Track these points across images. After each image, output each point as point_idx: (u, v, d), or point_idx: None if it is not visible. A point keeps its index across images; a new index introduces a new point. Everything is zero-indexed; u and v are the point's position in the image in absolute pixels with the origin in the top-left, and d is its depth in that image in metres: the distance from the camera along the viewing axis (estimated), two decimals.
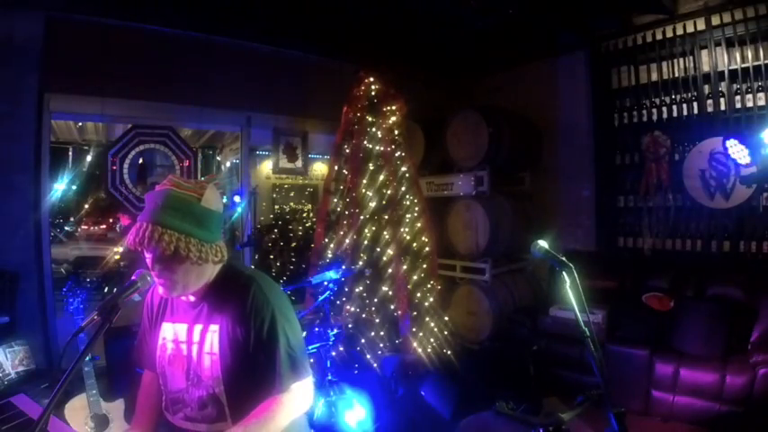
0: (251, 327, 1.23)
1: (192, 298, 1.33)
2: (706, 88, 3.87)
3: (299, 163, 4.96)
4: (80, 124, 6.07)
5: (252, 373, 1.26)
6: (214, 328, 1.28)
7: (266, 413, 1.22)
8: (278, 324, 1.25)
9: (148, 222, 1.16)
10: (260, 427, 1.19)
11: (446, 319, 4.06)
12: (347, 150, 3.99)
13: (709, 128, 3.81)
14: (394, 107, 3.98)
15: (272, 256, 5.64)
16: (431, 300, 3.97)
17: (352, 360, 3.54)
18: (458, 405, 3.13)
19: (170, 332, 1.36)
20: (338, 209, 3.96)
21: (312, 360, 2.72)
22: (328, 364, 2.89)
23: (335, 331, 2.89)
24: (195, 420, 1.31)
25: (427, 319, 3.91)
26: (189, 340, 1.31)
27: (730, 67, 3.71)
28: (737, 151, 3.56)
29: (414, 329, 3.77)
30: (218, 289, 1.31)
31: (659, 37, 4.09)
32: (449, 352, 3.88)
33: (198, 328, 1.31)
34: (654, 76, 4.17)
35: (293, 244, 5.69)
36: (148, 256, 1.21)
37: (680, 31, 3.97)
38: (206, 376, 1.28)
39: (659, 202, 4.12)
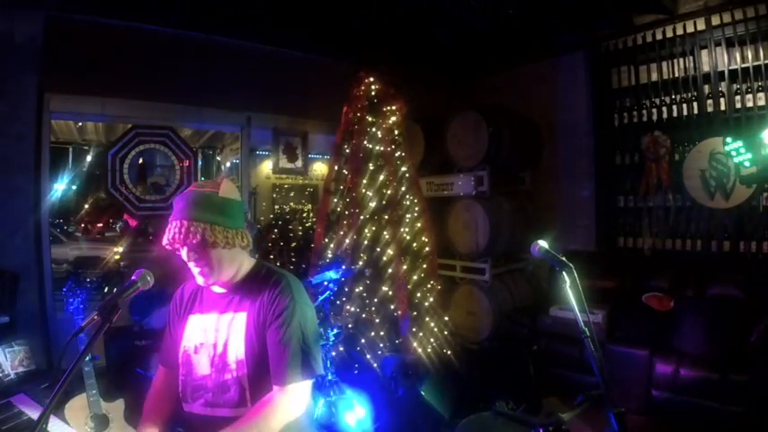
0: (271, 316, 1.31)
1: (223, 290, 1.41)
2: (706, 88, 3.87)
3: (299, 163, 4.96)
4: (80, 124, 6.07)
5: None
6: (242, 314, 1.36)
7: (258, 416, 1.23)
8: (296, 320, 1.32)
9: (178, 220, 1.30)
10: (250, 430, 1.20)
11: (446, 319, 4.05)
12: (347, 150, 3.99)
13: (709, 128, 3.81)
14: (394, 107, 3.98)
15: (272, 256, 5.64)
16: (431, 300, 3.97)
17: (352, 360, 3.54)
18: (458, 405, 3.13)
19: (199, 323, 1.42)
20: (338, 209, 3.96)
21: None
22: (328, 364, 2.90)
23: (335, 331, 2.89)
24: (216, 405, 1.34)
25: (427, 319, 3.91)
26: (216, 327, 1.38)
27: (730, 67, 3.71)
28: (737, 151, 3.57)
29: (414, 329, 3.77)
30: (251, 283, 1.40)
31: (659, 37, 4.09)
32: (449, 352, 3.88)
33: (227, 316, 1.38)
34: (654, 76, 4.17)
35: (293, 244, 5.68)
36: (183, 250, 1.32)
37: (680, 31, 3.97)
38: (231, 360, 1.33)
39: (659, 202, 4.12)
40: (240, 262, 1.40)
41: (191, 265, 1.33)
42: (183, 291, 1.52)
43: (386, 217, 3.86)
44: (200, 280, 1.36)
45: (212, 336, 1.37)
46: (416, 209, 4.02)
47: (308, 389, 1.33)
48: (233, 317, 1.36)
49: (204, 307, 1.43)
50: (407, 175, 4.03)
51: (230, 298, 1.40)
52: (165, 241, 1.32)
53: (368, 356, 3.59)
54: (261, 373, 1.30)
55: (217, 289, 1.42)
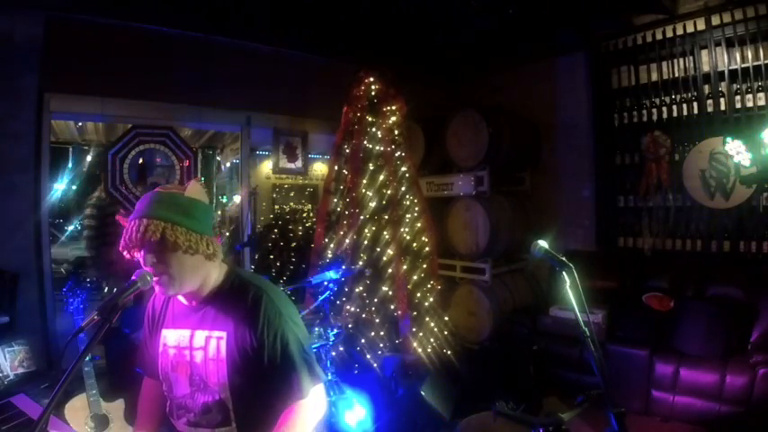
0: (265, 339, 1.24)
1: (193, 302, 1.33)
2: (706, 88, 3.86)
3: (299, 163, 4.96)
4: (80, 124, 6.06)
5: (260, 379, 1.27)
6: (220, 334, 1.28)
7: (290, 423, 1.24)
8: (292, 334, 1.28)
9: (137, 219, 1.19)
10: None
11: (446, 319, 4.05)
12: (347, 150, 3.99)
13: (709, 128, 3.81)
14: (394, 107, 3.98)
15: (272, 256, 5.64)
16: (431, 300, 3.97)
17: (352, 360, 3.54)
18: (458, 405, 3.13)
19: (172, 338, 1.35)
20: (338, 209, 3.96)
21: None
22: (328, 364, 2.89)
23: (335, 331, 2.89)
24: (199, 425, 1.32)
25: (427, 319, 3.91)
26: (191, 346, 1.31)
27: (730, 67, 3.71)
28: (737, 151, 3.57)
29: (414, 329, 3.76)
30: (225, 296, 1.31)
31: (659, 37, 4.09)
32: (449, 352, 3.88)
33: (201, 334, 1.31)
34: (654, 76, 4.17)
35: (293, 244, 5.69)
36: (140, 254, 1.21)
37: (680, 31, 3.97)
38: (212, 382, 1.28)
39: (659, 202, 4.12)
40: (206, 273, 1.28)
41: (149, 271, 1.22)
42: (155, 302, 1.44)
43: (386, 217, 3.86)
44: (158, 289, 1.25)
45: (187, 354, 1.31)
46: (416, 209, 4.02)
47: (323, 391, 1.35)
48: (209, 335, 1.29)
49: (177, 321, 1.36)
50: (407, 175, 4.03)
51: (203, 312, 1.31)
52: (121, 246, 1.21)
53: (368, 356, 3.59)
54: (246, 394, 1.28)
55: (185, 300, 1.34)
